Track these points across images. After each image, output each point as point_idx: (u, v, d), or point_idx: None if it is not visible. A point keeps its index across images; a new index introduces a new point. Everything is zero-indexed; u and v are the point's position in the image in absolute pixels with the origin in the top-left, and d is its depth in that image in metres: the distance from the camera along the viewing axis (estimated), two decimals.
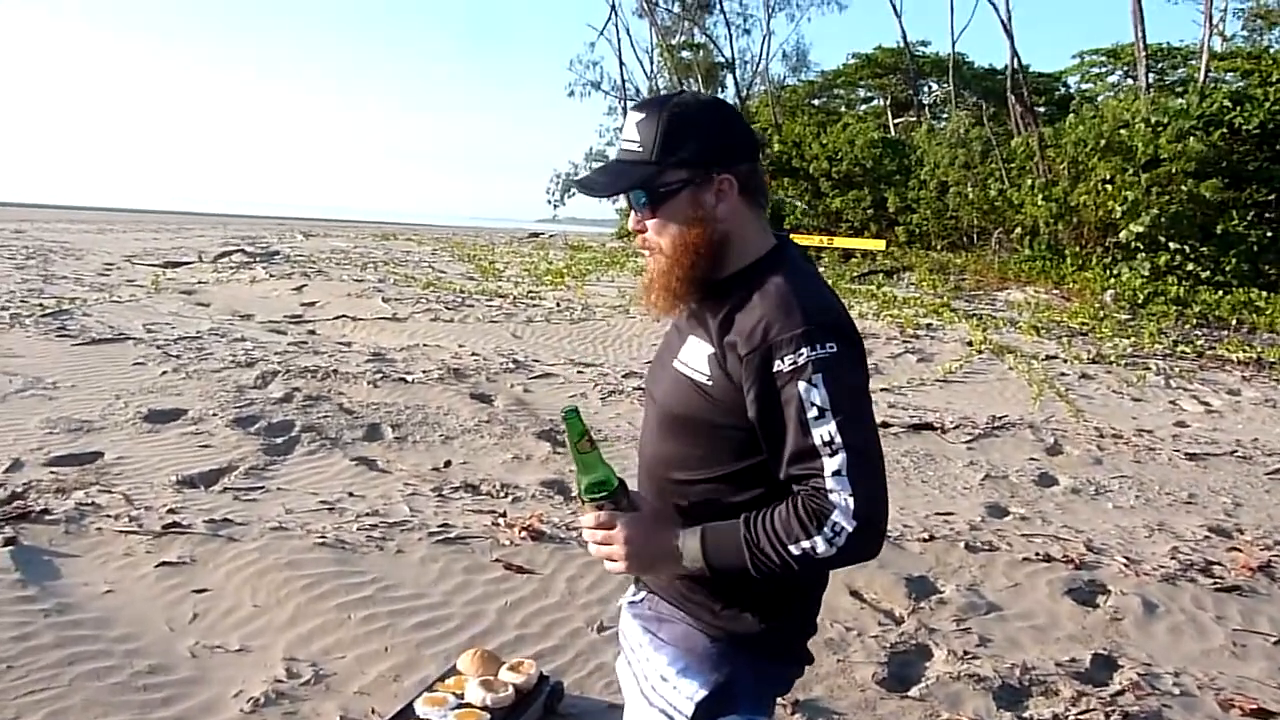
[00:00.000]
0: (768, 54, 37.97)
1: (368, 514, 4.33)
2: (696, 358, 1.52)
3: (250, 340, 8.46)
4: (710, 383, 1.48)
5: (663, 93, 1.94)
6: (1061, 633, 3.69)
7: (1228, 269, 15.45)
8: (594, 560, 3.99)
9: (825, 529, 1.36)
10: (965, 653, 3.42)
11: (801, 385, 1.38)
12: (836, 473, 1.36)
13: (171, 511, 4.15)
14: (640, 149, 1.51)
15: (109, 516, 4.05)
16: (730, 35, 36.63)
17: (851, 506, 1.36)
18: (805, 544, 1.37)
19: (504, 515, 4.44)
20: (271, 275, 13.88)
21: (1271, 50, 24.36)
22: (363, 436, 5.69)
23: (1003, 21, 20.83)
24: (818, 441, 1.37)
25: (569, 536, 4.21)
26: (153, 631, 3.19)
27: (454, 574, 3.76)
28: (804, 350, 1.38)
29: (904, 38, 31.12)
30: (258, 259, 16.27)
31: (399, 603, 3.47)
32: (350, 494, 4.63)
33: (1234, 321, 12.55)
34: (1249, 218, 16.31)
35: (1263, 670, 3.51)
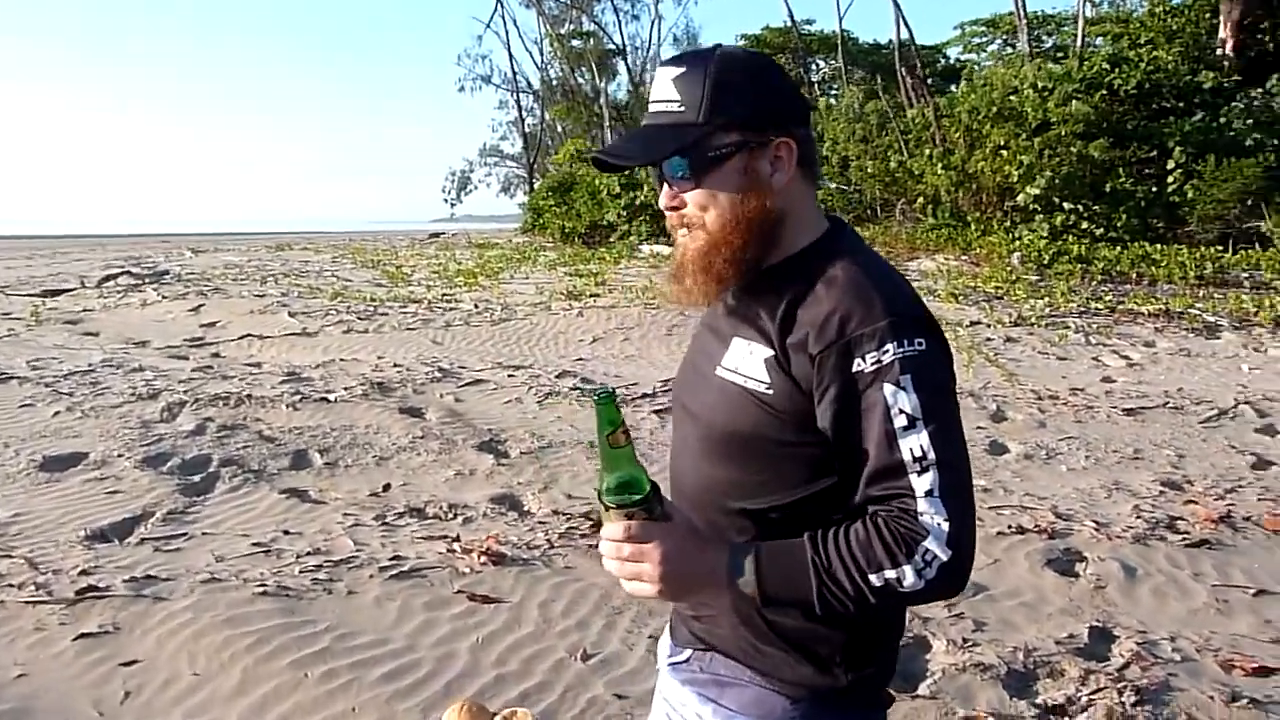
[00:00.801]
0: (658, 38, 37.90)
1: (309, 553, 3.97)
2: (750, 363, 1.29)
3: (150, 369, 7.86)
4: (771, 391, 1.26)
5: (700, 46, 1.79)
6: (1052, 607, 3.61)
7: (1119, 225, 16.01)
8: (564, 581, 3.76)
9: (916, 557, 1.16)
10: (964, 640, 3.30)
11: (888, 388, 1.17)
12: (929, 493, 1.16)
13: (84, 573, 3.71)
14: (682, 108, 1.27)
15: (11, 586, 3.59)
16: (619, 21, 36.44)
17: (946, 532, 1.16)
18: (890, 574, 1.16)
19: (458, 539, 4.13)
20: (164, 296, 13.07)
21: (1136, 14, 25.43)
22: (289, 465, 5.28)
23: None
24: (907, 456, 1.17)
25: (532, 557, 3.94)
26: (80, 718, 2.80)
27: (415, 612, 3.45)
28: (889, 346, 1.18)
29: (791, 17, 31.47)
30: (146, 280, 15.34)
31: (360, 652, 3.15)
32: (285, 532, 4.25)
33: (1134, 275, 12.96)
34: (1134, 175, 16.97)
35: (1250, 625, 3.49)
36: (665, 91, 1.29)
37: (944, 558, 1.16)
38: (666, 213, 1.34)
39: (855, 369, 1.18)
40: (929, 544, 1.15)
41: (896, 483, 1.18)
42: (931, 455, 1.17)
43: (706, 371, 1.36)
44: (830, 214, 1.36)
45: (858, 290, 1.22)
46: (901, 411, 1.17)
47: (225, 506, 4.64)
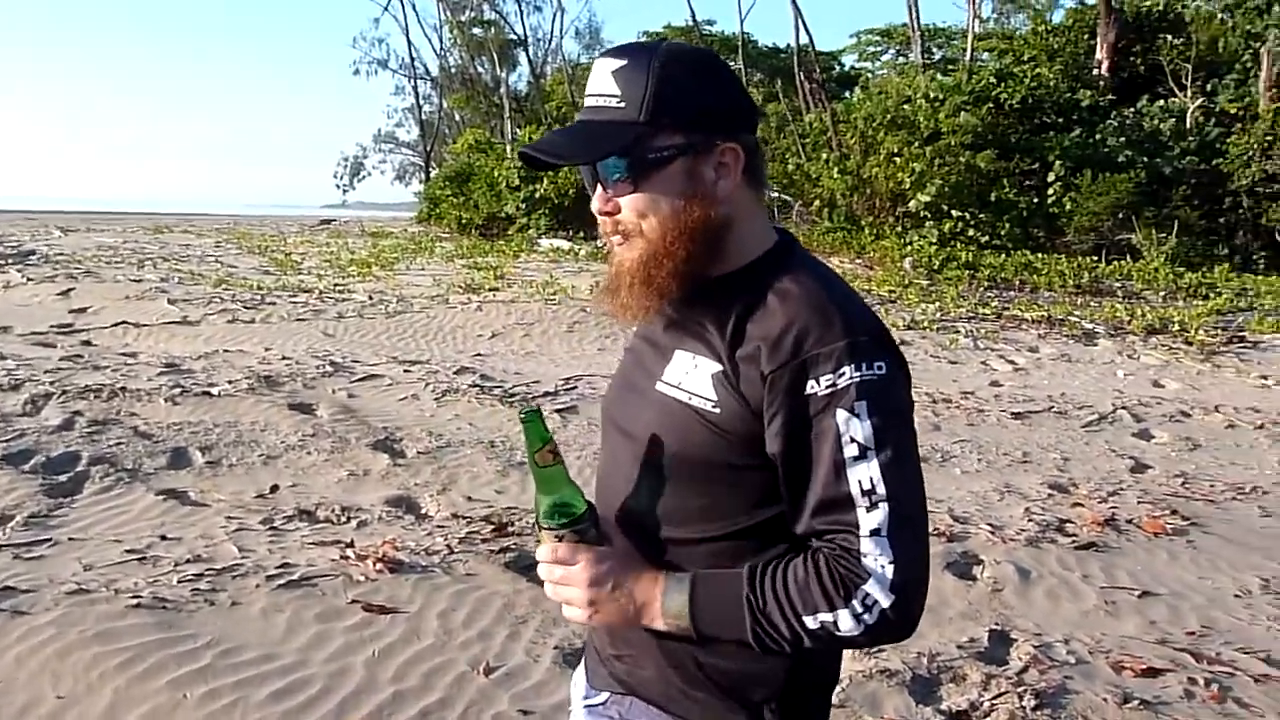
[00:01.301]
0: (560, 31, 37.62)
1: (188, 560, 3.71)
2: (694, 378, 1.19)
3: (12, 358, 7.29)
4: (718, 410, 1.16)
5: (642, 40, 1.64)
6: (953, 611, 3.66)
7: (1003, 233, 16.72)
8: (465, 590, 3.61)
9: (854, 602, 1.08)
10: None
11: (840, 415, 1.09)
12: (875, 531, 1.08)
13: None
14: (622, 104, 1.16)
15: None
16: (521, 12, 35.90)
17: (890, 576, 1.08)
18: (826, 617, 1.09)
19: (351, 545, 3.93)
20: (29, 279, 12.20)
21: (1020, 32, 26.60)
22: (167, 464, 4.95)
23: (794, 2, 21.48)
24: (854, 489, 1.09)
25: (431, 563, 3.78)
26: None
27: (306, 624, 3.25)
28: (846, 369, 1.09)
29: (693, 16, 31.60)
30: (9, 260, 14.31)
31: (245, 669, 2.94)
32: (163, 537, 3.96)
33: (1018, 282, 13.52)
34: (1017, 186, 17.74)
35: (1137, 626, 3.62)
36: (604, 85, 1.18)
37: (885, 604, 1.07)
38: (600, 218, 1.23)
39: (809, 391, 1.10)
40: (870, 588, 1.08)
41: (842, 517, 1.10)
42: (881, 490, 1.08)
43: (644, 387, 1.25)
44: (778, 227, 1.28)
45: (815, 307, 1.14)
46: (853, 440, 1.08)
47: (95, 509, 4.30)
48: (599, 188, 1.20)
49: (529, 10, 42.55)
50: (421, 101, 41.90)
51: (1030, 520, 4.62)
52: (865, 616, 1.08)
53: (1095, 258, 15.39)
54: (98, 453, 4.99)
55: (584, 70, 38.25)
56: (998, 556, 4.14)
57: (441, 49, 39.94)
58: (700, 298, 1.21)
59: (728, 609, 1.13)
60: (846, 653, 3.22)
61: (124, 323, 9.31)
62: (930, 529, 4.10)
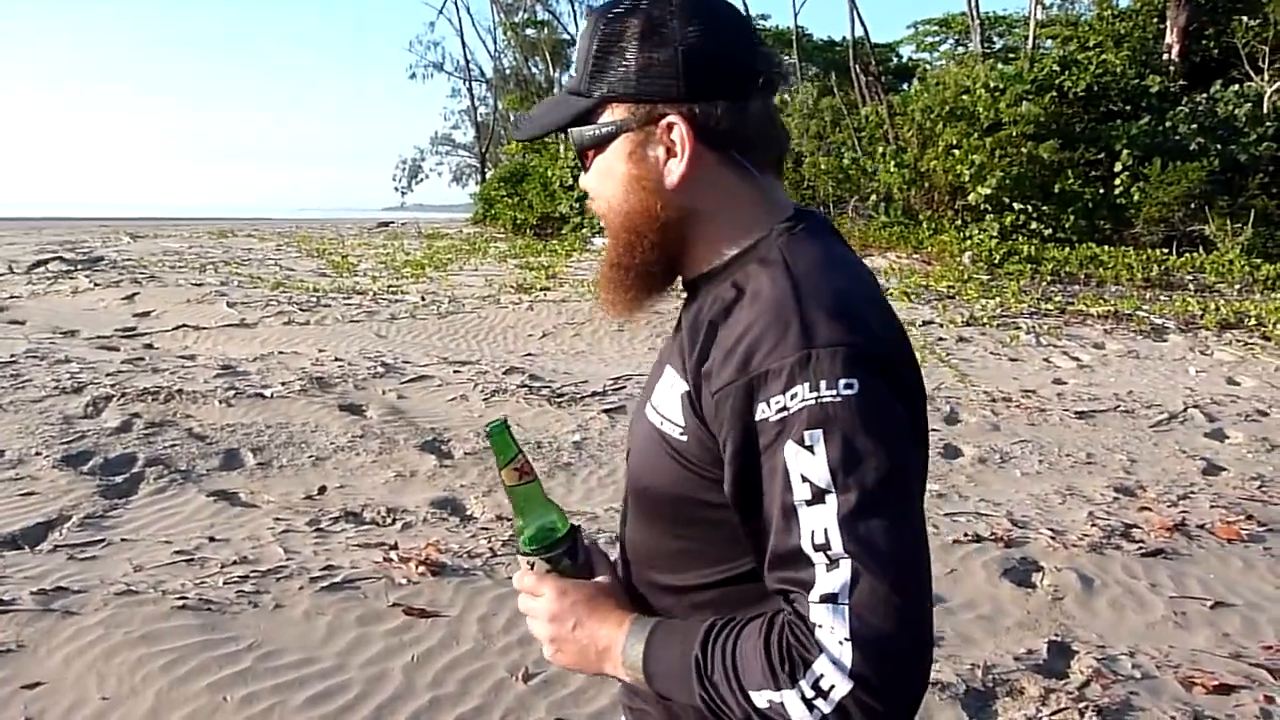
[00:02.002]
0: None
1: (234, 562, 3.73)
2: (669, 399, 1.01)
3: (76, 361, 7.48)
4: (684, 437, 0.98)
5: None
6: (1010, 620, 3.52)
7: (1067, 226, 16.22)
8: (506, 594, 3.54)
9: (802, 683, 0.84)
10: None
11: (788, 448, 0.86)
12: (830, 597, 0.84)
13: None
14: (574, 72, 1.03)
15: None
16: (574, 11, 36.00)
17: (847, 659, 0.82)
18: (773, 697, 0.85)
19: (395, 547, 3.92)
20: (97, 284, 12.55)
21: (1085, 18, 25.84)
22: (219, 466, 5.01)
23: None
24: (805, 542, 0.86)
25: (473, 567, 3.75)
26: None
27: (346, 628, 3.24)
28: (799, 389, 0.86)
29: (746, 11, 31.40)
30: (79, 266, 14.75)
31: (284, 673, 2.93)
32: (211, 539, 4.00)
33: (1083, 276, 13.09)
34: (1082, 177, 17.20)
35: (1208, 639, 3.43)
36: (578, 57, 1.04)
37: (843, 690, 0.82)
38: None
39: (759, 416, 0.89)
40: (822, 667, 0.83)
41: (795, 574, 0.87)
42: (839, 543, 0.84)
43: (642, 408, 1.11)
44: (800, 208, 1.06)
45: (776, 307, 0.91)
46: (805, 480, 0.86)
47: (148, 510, 4.37)
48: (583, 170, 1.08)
49: (582, 10, 42.68)
50: (477, 103, 42.30)
51: (1094, 525, 4.43)
52: (819, 704, 0.83)
53: (1165, 250, 14.84)
54: (153, 454, 5.07)
55: None
56: (1058, 563, 3.97)
57: (496, 51, 40.28)
58: (690, 301, 1.06)
59: (679, 665, 0.94)
60: None
61: (184, 326, 9.51)
62: (988, 533, 3.91)
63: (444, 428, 5.78)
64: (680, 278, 1.08)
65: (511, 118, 40.84)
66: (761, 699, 0.87)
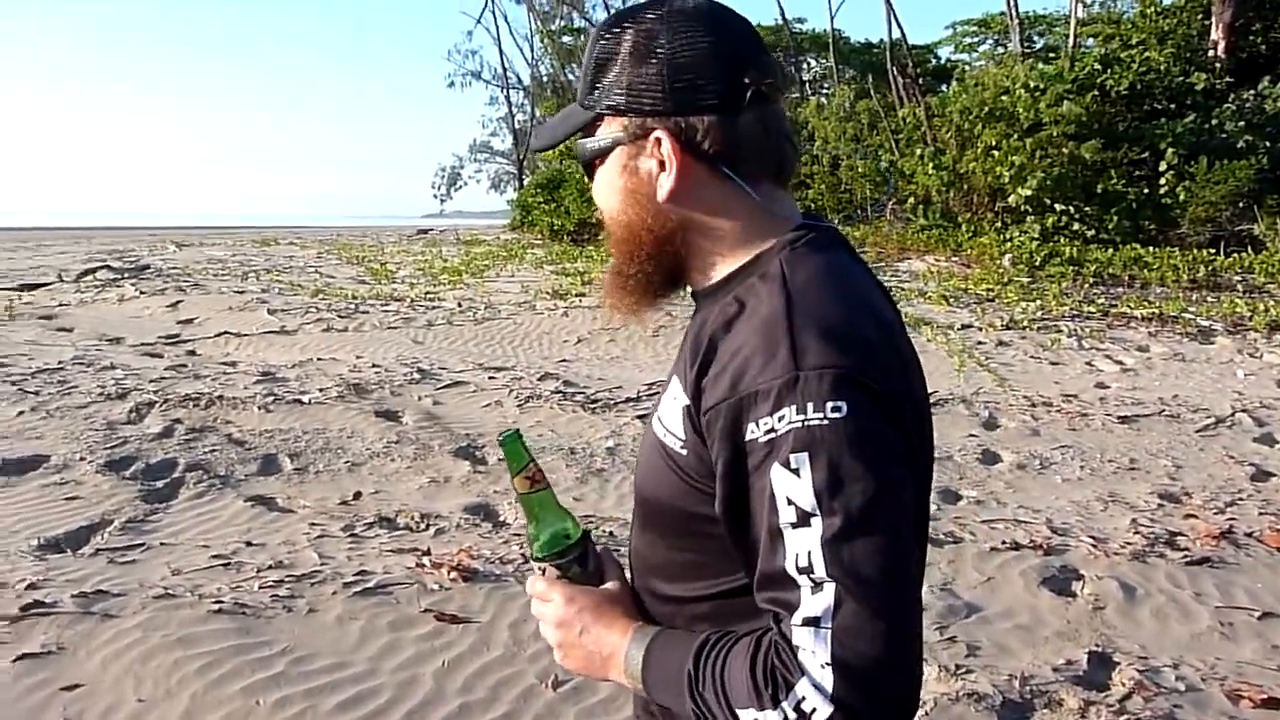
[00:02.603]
0: None
1: (270, 566, 3.78)
2: (672, 412, 1.02)
3: (121, 367, 7.64)
4: (684, 450, 0.99)
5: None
6: (1048, 630, 3.44)
7: (1110, 227, 15.92)
8: None
9: (785, 704, 0.85)
10: (957, 666, 3.13)
11: (775, 471, 0.87)
12: (813, 621, 0.84)
13: (32, 587, 3.51)
14: (579, 84, 1.07)
15: None
16: None
17: (829, 684, 0.83)
18: (757, 716, 0.86)
19: (428, 553, 3.94)
20: (142, 292, 12.82)
21: (1127, 15, 25.39)
22: (257, 471, 5.08)
23: None
24: (789, 564, 0.86)
25: (505, 573, 3.75)
26: None
27: (378, 633, 3.26)
28: (785, 411, 0.87)
29: (782, 15, 31.33)
30: (126, 274, 15.08)
31: (316, 677, 2.96)
32: (248, 543, 4.05)
33: (1127, 278, 12.84)
34: (1126, 176, 16.88)
35: (1256, 651, 3.34)
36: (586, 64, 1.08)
37: (825, 714, 0.83)
38: None
39: (748, 436, 0.89)
40: (804, 690, 0.84)
41: (780, 595, 0.87)
42: (822, 567, 0.84)
43: (651, 418, 1.12)
44: (809, 218, 1.05)
45: (767, 330, 0.91)
46: (790, 503, 0.86)
47: (187, 515, 4.44)
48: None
49: None
50: (514, 111, 42.61)
51: (1137, 533, 4.33)
52: None
53: (1212, 250, 14.50)
54: (193, 459, 5.15)
55: None
56: (1100, 571, 3.89)
57: (533, 58, 40.58)
58: (695, 313, 1.07)
59: (674, 677, 0.95)
60: (929, 673, 3.07)
61: (225, 333, 9.67)
62: (1026, 540, 3.84)
63: (478, 434, 5.81)
64: (688, 286, 1.09)
65: None
66: (748, 716, 0.87)
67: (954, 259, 14.81)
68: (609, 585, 1.11)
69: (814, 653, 0.84)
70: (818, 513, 0.85)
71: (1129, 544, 4.17)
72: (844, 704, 0.82)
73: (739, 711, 0.88)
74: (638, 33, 1.00)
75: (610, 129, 1.02)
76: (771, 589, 0.88)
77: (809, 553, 0.85)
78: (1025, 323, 9.94)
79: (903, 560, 0.88)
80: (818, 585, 0.85)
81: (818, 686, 0.83)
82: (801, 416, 0.86)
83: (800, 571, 0.85)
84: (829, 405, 0.86)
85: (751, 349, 0.91)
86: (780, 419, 0.87)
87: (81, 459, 5.11)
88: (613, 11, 1.16)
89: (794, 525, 0.86)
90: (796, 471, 0.86)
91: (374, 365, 7.89)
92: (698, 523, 0.99)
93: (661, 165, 1.00)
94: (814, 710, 0.83)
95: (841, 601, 0.83)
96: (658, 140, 0.99)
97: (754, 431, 0.88)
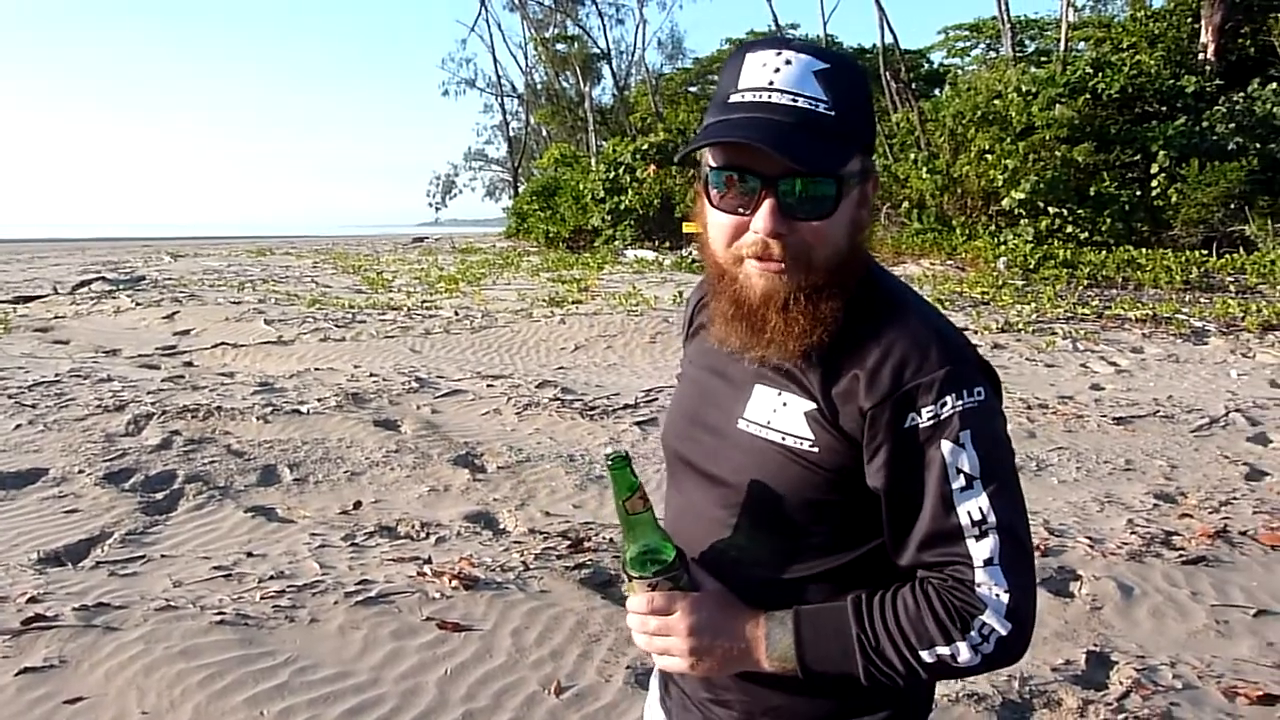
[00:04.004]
0: (643, 43, 37.76)
1: (272, 577, 3.79)
2: (785, 416, 1.15)
3: (118, 379, 7.65)
4: (816, 449, 1.13)
5: (808, 40, 1.63)
6: (1046, 630, 3.46)
7: (1104, 229, 15.99)
8: (539, 607, 3.58)
9: (972, 632, 1.07)
10: None
11: (946, 446, 1.07)
12: (989, 561, 1.07)
13: (33, 600, 3.52)
14: (832, 112, 1.05)
15: None
16: (604, 25, 36.25)
17: (1005, 604, 1.07)
18: (944, 650, 1.08)
19: (429, 561, 3.96)
20: (138, 303, 12.83)
21: (1118, 19, 25.51)
22: (257, 481, 5.09)
23: (877, 1, 21.09)
24: (964, 520, 1.07)
25: (506, 580, 3.77)
26: None
27: (381, 642, 3.27)
28: (948, 399, 1.07)
29: (775, 21, 31.37)
30: (121, 286, 15.08)
31: (320, 686, 2.97)
32: (249, 554, 4.06)
33: (1120, 279, 12.90)
34: (1118, 179, 16.95)
35: (1252, 648, 3.36)
36: (804, 84, 1.04)
37: (1002, 632, 1.07)
38: (754, 237, 1.07)
39: (910, 424, 1.07)
40: (986, 618, 1.07)
41: (952, 549, 1.08)
42: (992, 519, 1.07)
43: (721, 425, 1.20)
44: None
45: (913, 334, 1.10)
46: (960, 471, 1.07)
47: (188, 526, 4.45)
48: (768, 200, 1.05)
49: (611, 24, 42.98)
50: (509, 118, 42.70)
51: (1133, 533, 4.35)
52: (983, 646, 1.07)
53: (1205, 251, 14.59)
54: (193, 471, 5.16)
55: (668, 80, 38.31)
56: (1097, 571, 3.91)
57: (527, 66, 40.64)
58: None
59: (836, 646, 1.10)
60: None
61: (223, 344, 9.68)
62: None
63: (477, 442, 5.83)
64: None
65: (544, 132, 41.10)
66: (931, 655, 1.07)
67: (949, 262, 14.86)
68: (713, 588, 1.18)
69: (992, 586, 1.06)
70: (980, 475, 1.06)
71: (1125, 544, 4.19)
72: (1016, 618, 1.06)
73: (922, 652, 1.07)
74: (859, 75, 1.12)
75: (860, 163, 1.10)
76: (943, 544, 1.07)
77: (980, 508, 1.06)
78: (1020, 325, 9.98)
79: (1027, 512, 1.12)
80: (984, 534, 1.06)
81: (997, 611, 1.06)
82: (961, 402, 1.06)
83: (974, 524, 1.06)
84: (977, 390, 1.08)
85: (902, 352, 1.08)
86: (943, 405, 1.06)
87: (80, 471, 5.12)
88: (821, 45, 1.17)
89: (963, 490, 1.06)
90: (964, 445, 1.06)
91: (372, 374, 7.91)
92: (820, 509, 1.14)
93: (865, 201, 1.13)
94: (992, 631, 1.06)
95: (1006, 542, 1.06)
96: (875, 181, 1.16)
97: (916, 419, 1.06)
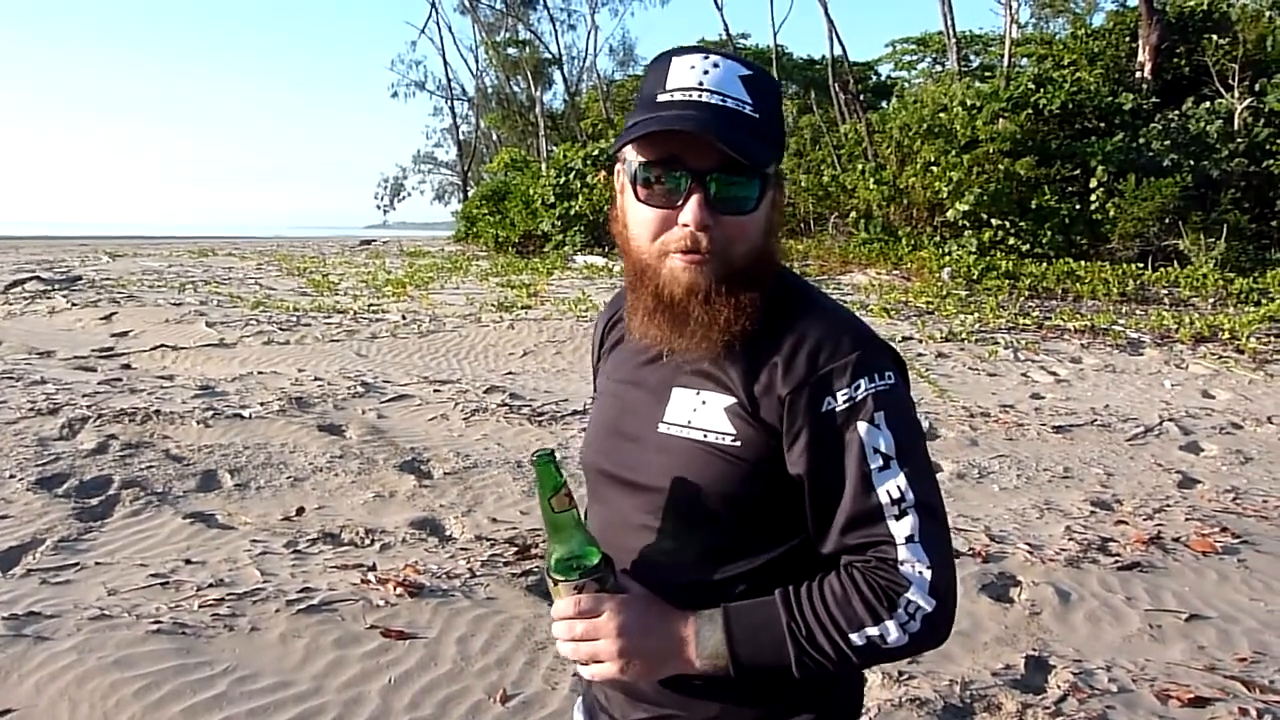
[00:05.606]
0: (594, 49, 37.82)
1: (211, 584, 3.70)
2: (705, 414, 1.15)
3: (52, 382, 7.42)
4: (738, 443, 1.13)
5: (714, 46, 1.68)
6: (987, 635, 3.53)
7: (1044, 241, 16.39)
8: (485, 614, 3.55)
9: (899, 610, 1.09)
10: (900, 673, 3.18)
11: (862, 427, 1.10)
12: (910, 539, 1.09)
13: None
14: (756, 114, 1.11)
15: None
16: (555, 31, 36.20)
17: (929, 580, 1.09)
18: (872, 631, 1.09)
19: (373, 569, 3.90)
20: (74, 304, 12.46)
21: (1059, 36, 26.19)
22: (196, 487, 4.98)
23: (827, 14, 21.38)
24: (884, 499, 1.10)
25: (452, 587, 3.73)
26: None
27: (323, 650, 3.21)
28: (861, 381, 1.10)
29: (726, 31, 31.63)
30: (56, 286, 14.64)
31: (260, 696, 2.91)
32: (187, 561, 3.97)
33: (1060, 291, 13.23)
34: (1058, 193, 17.38)
35: (1184, 652, 3.46)
36: (732, 87, 1.10)
37: (928, 608, 1.09)
38: (680, 231, 1.10)
39: (826, 407, 1.10)
40: (911, 595, 1.08)
41: (874, 529, 1.10)
42: (910, 497, 1.09)
43: (641, 432, 1.20)
44: None
45: (823, 324, 1.14)
46: (877, 451, 1.09)
47: (124, 533, 4.33)
48: (697, 194, 1.08)
49: (563, 29, 42.97)
50: (459, 122, 42.40)
51: (1071, 539, 4.46)
52: (910, 625, 1.08)
53: (1141, 265, 15.02)
54: (129, 476, 5.02)
55: (619, 87, 38.37)
56: (1036, 578, 3.99)
57: (478, 69, 40.41)
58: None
59: (767, 637, 1.10)
60: (872, 680, 3.12)
61: (162, 346, 9.45)
62: (965, 548, 3.96)
63: (424, 447, 5.77)
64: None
65: (495, 136, 40.88)
66: (860, 637, 1.08)
67: (895, 272, 15.10)
68: (638, 590, 1.16)
69: (914, 563, 1.08)
70: (895, 455, 1.09)
71: (1064, 550, 4.29)
72: (939, 595, 1.09)
73: (852, 635, 1.08)
74: (777, 86, 1.18)
75: (775, 168, 1.16)
76: (865, 525, 1.09)
77: (898, 487, 1.09)
78: (964, 335, 10.18)
79: (940, 488, 1.16)
80: (903, 513, 1.09)
81: (921, 587, 1.08)
82: (874, 384, 1.10)
83: (893, 503, 1.08)
84: (888, 374, 1.11)
85: (815, 339, 1.11)
86: (856, 388, 1.09)
87: (11, 476, 4.95)
88: (741, 56, 1.22)
89: (881, 470, 1.09)
90: (879, 426, 1.09)
91: (316, 379, 7.78)
92: (742, 503, 1.15)
93: (777, 205, 1.18)
94: (918, 609, 1.08)
95: (925, 519, 1.09)
96: (783, 189, 1.21)
97: (832, 402, 1.09)
